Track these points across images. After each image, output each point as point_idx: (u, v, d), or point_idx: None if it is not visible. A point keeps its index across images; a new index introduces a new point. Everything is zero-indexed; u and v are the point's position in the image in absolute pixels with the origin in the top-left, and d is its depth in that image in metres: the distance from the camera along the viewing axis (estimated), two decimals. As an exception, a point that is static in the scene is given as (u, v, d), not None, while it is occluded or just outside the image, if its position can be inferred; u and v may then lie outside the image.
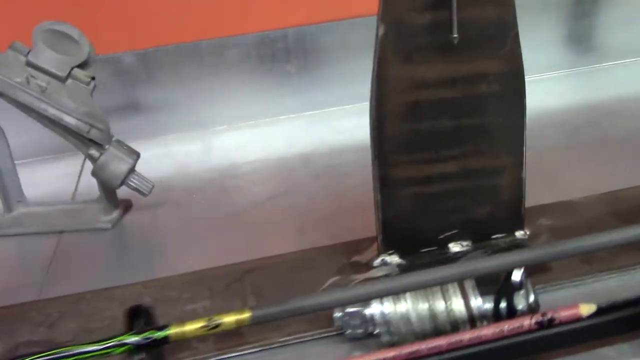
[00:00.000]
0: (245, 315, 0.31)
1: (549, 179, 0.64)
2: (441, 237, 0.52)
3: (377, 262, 0.51)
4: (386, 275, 0.50)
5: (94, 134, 0.62)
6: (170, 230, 0.64)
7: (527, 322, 0.38)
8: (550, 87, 0.85)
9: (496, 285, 0.43)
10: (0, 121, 0.66)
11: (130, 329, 0.35)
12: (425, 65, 0.47)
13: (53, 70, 0.61)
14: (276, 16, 0.83)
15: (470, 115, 0.49)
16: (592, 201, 0.57)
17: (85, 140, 0.63)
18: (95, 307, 0.51)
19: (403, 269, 0.51)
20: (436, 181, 0.50)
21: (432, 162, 0.49)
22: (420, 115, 0.48)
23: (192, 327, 0.31)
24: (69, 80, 0.62)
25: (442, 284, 0.41)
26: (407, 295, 0.41)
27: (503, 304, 0.41)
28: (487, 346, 0.38)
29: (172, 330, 0.30)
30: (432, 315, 0.41)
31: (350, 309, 0.42)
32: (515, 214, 0.52)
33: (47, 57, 0.61)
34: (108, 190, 0.64)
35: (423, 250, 0.52)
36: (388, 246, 0.51)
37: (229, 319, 0.31)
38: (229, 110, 0.85)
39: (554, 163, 0.67)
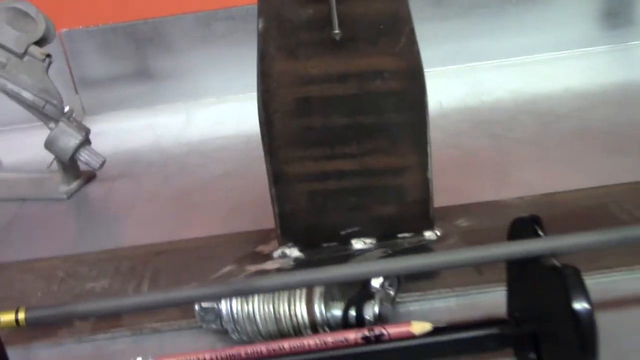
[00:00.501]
0: (21, 315, 0.33)
1: (505, 173, 0.61)
2: (342, 233, 0.51)
3: (277, 253, 0.52)
4: (278, 269, 0.50)
5: (48, 109, 0.65)
6: (120, 204, 0.67)
7: (352, 335, 0.37)
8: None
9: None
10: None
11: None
12: (312, 61, 0.45)
13: (11, 46, 0.64)
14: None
15: (366, 112, 0.47)
16: (523, 203, 0.54)
17: (41, 114, 0.66)
18: (11, 277, 0.54)
19: (300, 263, 0.51)
20: (333, 178, 0.49)
21: (327, 159, 0.48)
22: (311, 111, 0.47)
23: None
24: (26, 57, 0.65)
25: (294, 288, 0.41)
26: (256, 296, 0.42)
27: (352, 312, 0.41)
28: (310, 356, 0.37)
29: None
30: (277, 318, 0.41)
31: (204, 304, 0.43)
32: (423, 214, 0.51)
33: (6, 34, 0.64)
34: (64, 162, 0.67)
35: (324, 244, 0.51)
36: (287, 239, 0.51)
37: (6, 317, 0.33)
38: (218, 82, 0.87)
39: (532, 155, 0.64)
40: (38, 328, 0.47)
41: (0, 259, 0.58)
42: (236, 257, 0.52)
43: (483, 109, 0.74)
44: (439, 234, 0.51)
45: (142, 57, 0.88)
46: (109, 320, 0.47)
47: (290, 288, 0.40)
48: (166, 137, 0.80)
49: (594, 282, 0.42)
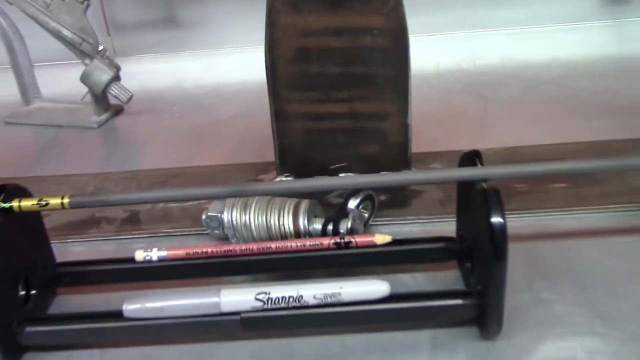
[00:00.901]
0: (66, 200, 0.42)
1: (485, 128, 0.69)
2: (332, 167, 0.59)
3: (275, 180, 0.60)
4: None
5: (85, 47, 0.74)
6: (143, 135, 0.76)
7: (326, 241, 0.46)
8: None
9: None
10: (21, 28, 0.79)
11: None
12: (312, 16, 0.53)
13: (56, -11, 0.73)
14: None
15: (356, 63, 0.55)
16: (491, 153, 0.62)
17: (78, 51, 0.74)
18: (49, 187, 0.63)
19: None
20: (326, 119, 0.57)
21: (321, 102, 0.56)
22: (309, 59, 0.55)
23: (27, 203, 0.41)
24: (67, -1, 0.73)
25: (279, 195, 0.50)
26: (252, 208, 0.50)
27: (330, 227, 0.49)
28: (291, 255, 0.46)
29: (14, 204, 0.41)
30: (268, 227, 0.50)
31: (210, 213, 0.52)
32: (402, 155, 0.59)
33: (52, -23, 0.73)
34: (96, 95, 0.76)
35: (316, 176, 0.60)
36: (284, 169, 0.60)
37: (54, 201, 0.42)
38: (238, 34, 0.95)
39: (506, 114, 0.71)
40: (73, 228, 0.56)
41: (40, 173, 0.67)
42: (239, 183, 0.61)
43: (475, 72, 0.82)
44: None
45: (171, 5, 0.96)
46: (131, 224, 0.56)
47: (275, 194, 0.49)
48: (187, 79, 0.88)
49: (538, 218, 0.51)
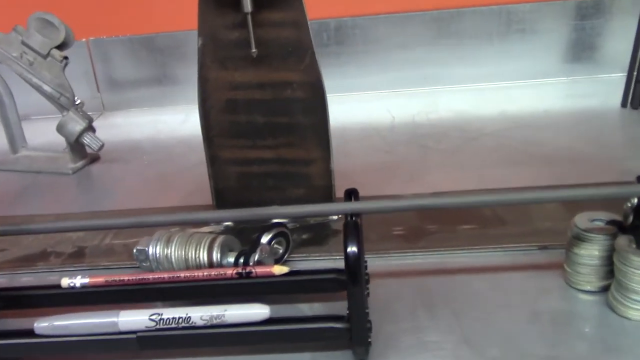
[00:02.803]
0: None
1: (419, 175, 0.73)
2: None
3: (213, 222, 0.66)
4: (210, 232, 0.64)
5: (62, 100, 0.81)
6: (113, 180, 0.82)
7: (229, 271, 0.51)
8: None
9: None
10: (11, 85, 0.88)
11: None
12: (238, 72, 0.59)
13: (37, 49, 0.81)
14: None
15: (280, 114, 0.61)
16: (417, 198, 0.66)
17: (57, 104, 0.82)
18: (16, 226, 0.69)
19: (229, 229, 0.65)
20: (256, 164, 0.63)
21: (250, 148, 0.62)
22: (237, 110, 0.61)
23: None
24: (48, 58, 0.81)
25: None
26: (174, 242, 0.56)
27: (242, 260, 0.54)
28: (199, 283, 0.51)
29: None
30: (186, 259, 0.55)
31: (139, 247, 0.57)
32: (327, 198, 0.64)
33: (35, 39, 0.81)
34: (71, 144, 0.83)
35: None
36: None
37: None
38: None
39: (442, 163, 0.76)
40: (26, 260, 0.62)
41: (13, 213, 0.74)
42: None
43: (425, 125, 0.87)
44: (340, 216, 0.64)
45: (157, 64, 1.04)
46: (76, 258, 0.62)
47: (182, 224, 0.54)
48: (164, 131, 0.95)
49: (440, 255, 0.55)
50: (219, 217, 0.51)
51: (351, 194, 0.47)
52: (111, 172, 0.84)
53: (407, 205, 0.46)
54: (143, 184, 0.80)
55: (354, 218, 0.44)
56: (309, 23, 0.57)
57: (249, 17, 0.56)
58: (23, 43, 0.81)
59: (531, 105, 0.89)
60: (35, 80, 0.81)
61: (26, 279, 0.61)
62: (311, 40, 0.58)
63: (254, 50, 0.58)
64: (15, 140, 0.89)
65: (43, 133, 0.93)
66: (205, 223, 0.64)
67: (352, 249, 0.42)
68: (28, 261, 0.62)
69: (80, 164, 0.85)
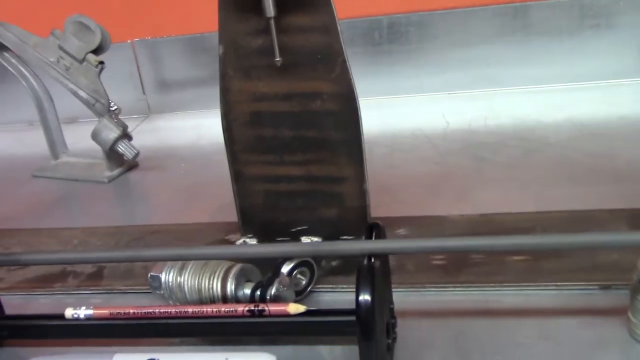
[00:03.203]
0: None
1: (470, 192, 0.66)
2: (293, 230, 0.59)
3: (239, 242, 0.61)
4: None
5: (97, 107, 0.79)
6: (147, 190, 0.79)
7: (240, 308, 0.46)
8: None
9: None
10: (51, 90, 0.86)
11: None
12: (263, 82, 0.54)
13: (73, 53, 0.79)
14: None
15: (309, 127, 0.55)
16: (462, 219, 0.60)
17: (93, 110, 0.80)
18: (40, 240, 0.67)
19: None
20: (283, 181, 0.57)
21: (277, 164, 0.57)
22: (263, 123, 0.56)
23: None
24: (84, 63, 0.79)
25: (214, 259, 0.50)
26: (187, 270, 0.51)
27: (258, 292, 0.49)
28: (206, 320, 0.46)
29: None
30: (199, 289, 0.50)
31: (153, 273, 0.53)
32: (361, 219, 0.58)
33: (71, 43, 0.79)
34: (105, 152, 0.80)
35: (279, 239, 0.60)
36: (248, 230, 0.60)
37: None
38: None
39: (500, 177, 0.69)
40: (43, 280, 0.59)
41: (44, 225, 0.72)
42: (208, 241, 0.63)
43: (482, 133, 0.79)
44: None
45: (202, 65, 1.01)
46: (93, 279, 0.59)
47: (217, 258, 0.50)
48: (206, 136, 0.91)
49: (484, 292, 0.48)
50: (230, 254, 0.46)
51: (372, 229, 0.41)
52: (146, 181, 0.81)
53: (434, 246, 0.39)
54: (177, 194, 0.76)
55: (372, 260, 0.38)
56: (339, 27, 0.51)
57: (272, 22, 0.51)
58: (60, 48, 0.79)
59: (603, 110, 0.80)
60: (71, 85, 0.79)
61: (43, 300, 0.58)
62: (342, 46, 0.52)
63: (278, 58, 0.52)
64: (55, 146, 0.87)
65: (86, 137, 0.91)
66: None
67: (365, 297, 0.36)
68: (46, 281, 0.59)
69: (116, 172, 0.82)
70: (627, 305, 0.44)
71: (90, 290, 0.58)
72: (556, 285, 0.49)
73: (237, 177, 0.58)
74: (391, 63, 0.93)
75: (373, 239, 0.40)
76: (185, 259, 0.50)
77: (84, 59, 0.78)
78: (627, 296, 0.44)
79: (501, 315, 0.47)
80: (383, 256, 0.40)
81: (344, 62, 0.53)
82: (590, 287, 0.48)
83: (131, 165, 0.84)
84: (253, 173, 0.58)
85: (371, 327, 0.35)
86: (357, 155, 0.56)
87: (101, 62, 0.79)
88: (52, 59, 0.79)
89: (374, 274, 0.36)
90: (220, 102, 0.56)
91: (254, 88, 0.55)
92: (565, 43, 0.87)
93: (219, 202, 0.72)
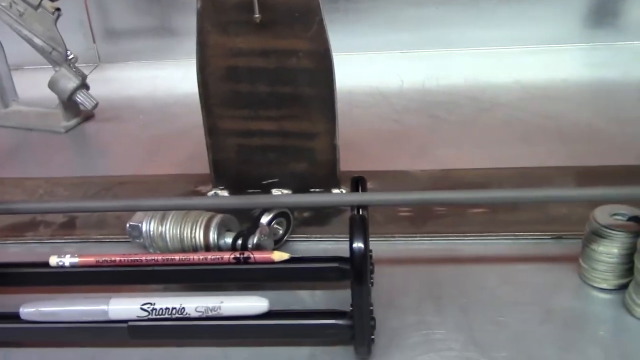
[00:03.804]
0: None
1: (428, 149, 0.70)
2: (264, 182, 0.61)
3: (210, 194, 0.63)
4: (207, 205, 0.61)
5: (54, 55, 0.77)
6: (106, 141, 0.79)
7: (227, 256, 0.48)
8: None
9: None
10: (1, 35, 0.83)
11: None
12: (240, 38, 0.55)
13: (28, -1, 0.76)
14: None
15: (284, 84, 0.57)
16: (424, 174, 0.63)
17: (49, 59, 0.78)
18: (4, 190, 0.67)
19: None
20: (256, 135, 0.59)
21: (252, 119, 0.59)
22: (239, 78, 0.57)
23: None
24: (39, 9, 0.77)
25: (192, 209, 0.52)
26: (169, 220, 0.53)
27: (240, 241, 0.52)
28: (194, 267, 0.48)
29: None
30: (181, 239, 0.52)
31: (132, 223, 0.54)
32: (331, 174, 0.60)
33: (25, -12, 0.76)
34: (63, 102, 0.79)
35: (249, 190, 0.62)
36: (219, 183, 0.62)
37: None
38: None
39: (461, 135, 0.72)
40: (14, 229, 0.59)
41: (2, 175, 0.71)
42: (179, 193, 0.64)
43: (436, 92, 0.83)
44: (344, 191, 0.61)
45: (156, 14, 0.99)
46: (66, 229, 0.59)
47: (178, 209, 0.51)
48: (162, 88, 0.91)
49: (448, 242, 0.52)
50: (218, 204, 0.48)
51: (358, 183, 0.43)
52: (105, 132, 0.81)
53: (419, 199, 0.43)
54: (138, 146, 0.76)
55: (360, 211, 0.41)
56: (317, -14, 0.53)
57: (253, -21, 0.52)
58: (12, -8, 0.76)
59: (548, 73, 0.85)
60: (25, 32, 0.77)
61: (14, 249, 0.58)
62: (320, 5, 0.54)
63: (257, 15, 0.53)
64: (5, 94, 0.85)
65: (35, 85, 0.89)
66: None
67: (359, 245, 0.39)
68: (16, 230, 0.60)
69: (73, 122, 0.81)
70: (577, 253, 0.49)
71: (65, 239, 0.58)
72: (514, 235, 0.54)
73: (211, 131, 0.60)
74: (347, 21, 0.95)
75: (360, 191, 0.43)
76: (178, 208, 0.51)
77: (39, 5, 0.76)
78: (578, 245, 0.49)
79: (465, 263, 0.51)
80: (365, 210, 0.43)
81: (321, 21, 0.54)
82: (544, 237, 0.53)
83: (87, 116, 0.83)
84: (227, 127, 0.59)
85: (365, 272, 0.38)
86: (330, 111, 0.58)
87: (58, 9, 0.77)
88: (3, 4, 0.77)
89: (366, 223, 0.39)
90: (197, 57, 0.57)
91: (231, 43, 0.56)
92: (513, 6, 0.92)
93: (183, 154, 0.73)
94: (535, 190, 0.49)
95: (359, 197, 0.42)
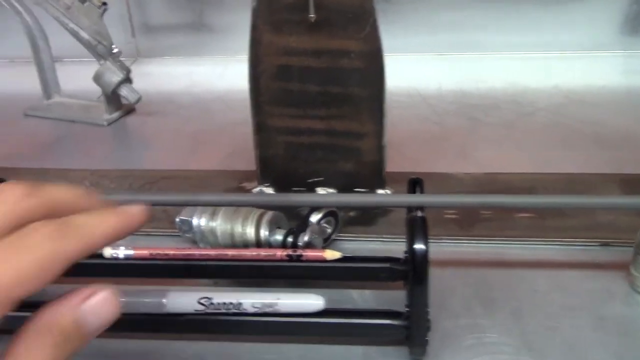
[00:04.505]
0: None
1: (470, 152, 0.70)
2: (309, 181, 0.62)
3: (255, 190, 0.63)
4: (252, 202, 0.61)
5: (100, 49, 0.78)
6: (148, 135, 0.80)
7: (279, 253, 0.49)
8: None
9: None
10: (46, 24, 0.85)
11: None
12: (293, 37, 0.56)
13: (76, -8, 0.77)
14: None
15: (335, 83, 0.57)
16: (468, 177, 0.63)
17: (94, 52, 0.79)
18: (48, 180, 0.67)
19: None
20: (305, 134, 0.60)
21: (301, 118, 0.59)
22: (290, 77, 0.57)
23: None
24: (86, 3, 0.78)
25: (243, 205, 0.53)
26: (219, 215, 0.53)
27: (290, 239, 0.52)
28: (245, 263, 0.49)
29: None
30: (231, 234, 0.53)
31: (182, 217, 0.55)
32: (377, 174, 0.61)
33: (73, -19, 0.77)
34: (107, 95, 0.80)
35: (295, 188, 0.63)
36: (265, 180, 0.63)
37: None
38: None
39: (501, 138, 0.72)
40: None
41: (46, 165, 0.72)
42: (223, 188, 0.65)
43: (475, 95, 0.83)
44: (389, 192, 0.62)
45: (196, 10, 1.00)
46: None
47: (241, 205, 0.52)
48: (200, 84, 0.92)
49: (496, 246, 0.52)
50: (275, 201, 0.49)
51: (415, 184, 0.44)
52: (147, 126, 0.81)
53: (480, 202, 0.43)
54: (179, 140, 0.77)
55: (420, 212, 0.42)
56: (373, -12, 0.53)
57: (310, -21, 0.52)
58: (60, -15, 0.77)
59: (586, 79, 0.84)
60: (71, 25, 0.78)
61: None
62: (374, 6, 0.54)
63: (312, 14, 0.54)
64: (48, 86, 0.86)
65: (77, 78, 0.90)
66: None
67: (420, 246, 0.39)
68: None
69: (115, 115, 0.82)
70: (627, 260, 0.49)
71: (113, 232, 0.59)
72: (561, 241, 0.54)
73: (260, 128, 0.60)
74: (384, 22, 0.94)
75: (417, 192, 0.43)
76: (239, 204, 0.52)
77: (86, -1, 0.77)
78: (626, 253, 0.49)
79: (514, 267, 0.51)
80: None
81: (375, 22, 0.55)
82: (592, 244, 0.53)
83: (129, 109, 0.84)
84: (276, 125, 0.60)
85: (425, 273, 0.39)
86: (378, 112, 0.58)
87: (104, 3, 0.78)
88: (52, -3, 0.78)
89: (426, 224, 0.40)
90: (249, 54, 0.57)
91: (284, 42, 0.56)
92: (552, 12, 0.91)
93: (224, 150, 0.73)
94: (582, 196, 0.50)
95: (420, 199, 0.42)
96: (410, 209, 0.43)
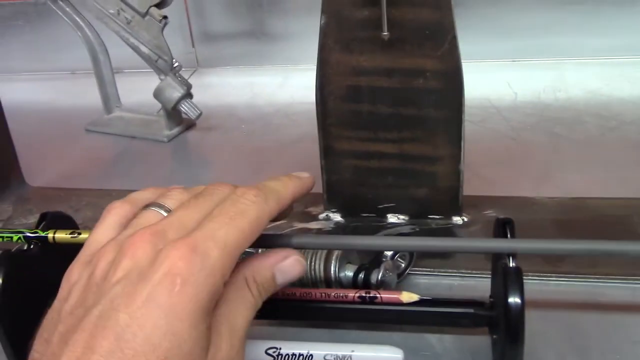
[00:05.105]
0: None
1: (551, 172, 0.65)
2: (380, 207, 0.58)
3: (322, 216, 0.60)
4: (319, 230, 0.58)
5: (160, 64, 0.76)
6: (208, 151, 0.77)
7: (351, 294, 0.45)
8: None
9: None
10: (104, 38, 0.83)
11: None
12: (364, 56, 0.52)
13: (136, 6, 0.75)
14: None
15: (407, 105, 0.53)
16: (552, 202, 0.58)
17: (155, 67, 0.77)
18: (89, 201, 0.65)
19: (340, 227, 0.59)
20: (375, 158, 0.56)
21: (371, 140, 0.55)
22: (360, 98, 0.54)
23: (60, 235, 0.43)
24: (147, 17, 0.76)
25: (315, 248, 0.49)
26: (286, 250, 0.50)
27: (362, 276, 0.48)
28: (315, 304, 0.46)
29: (50, 235, 0.43)
30: (299, 270, 0.50)
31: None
32: (453, 200, 0.57)
33: (133, -4, 0.75)
34: (167, 110, 0.78)
35: (363, 215, 0.59)
36: (332, 205, 0.59)
37: (85, 235, 0.43)
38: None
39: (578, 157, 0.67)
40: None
41: (108, 185, 0.70)
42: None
43: (553, 106, 0.77)
44: (465, 219, 0.57)
45: (256, 19, 0.97)
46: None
47: (309, 248, 0.48)
48: (261, 96, 0.89)
49: (588, 284, 0.48)
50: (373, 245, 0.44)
51: (505, 226, 0.39)
52: (208, 142, 0.79)
53: (583, 249, 0.38)
54: (241, 157, 0.75)
55: (511, 261, 0.37)
56: (452, 1, 0.49)
57: (383, -5, 0.48)
58: (121, -1, 0.76)
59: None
60: (132, 40, 0.76)
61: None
62: (454, 22, 0.50)
63: (385, 32, 0.50)
64: (109, 100, 0.85)
65: (137, 90, 0.88)
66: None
67: (516, 300, 0.35)
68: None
69: (175, 130, 0.80)
70: None
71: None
72: (669, 280, 0.48)
73: (327, 151, 0.57)
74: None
75: (508, 236, 0.39)
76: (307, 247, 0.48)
77: (147, 13, 0.75)
78: None
79: (611, 310, 0.46)
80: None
81: (454, 38, 0.50)
82: None
83: (189, 124, 0.82)
84: (344, 148, 0.56)
85: (522, 331, 0.35)
86: (455, 135, 0.54)
87: (165, 17, 0.75)
88: (111, 11, 0.76)
89: (521, 276, 0.35)
90: (317, 74, 0.54)
91: (354, 62, 0.52)
92: (636, 13, 0.85)
93: (288, 169, 0.70)
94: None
95: (512, 245, 0.38)
96: (503, 256, 0.38)
